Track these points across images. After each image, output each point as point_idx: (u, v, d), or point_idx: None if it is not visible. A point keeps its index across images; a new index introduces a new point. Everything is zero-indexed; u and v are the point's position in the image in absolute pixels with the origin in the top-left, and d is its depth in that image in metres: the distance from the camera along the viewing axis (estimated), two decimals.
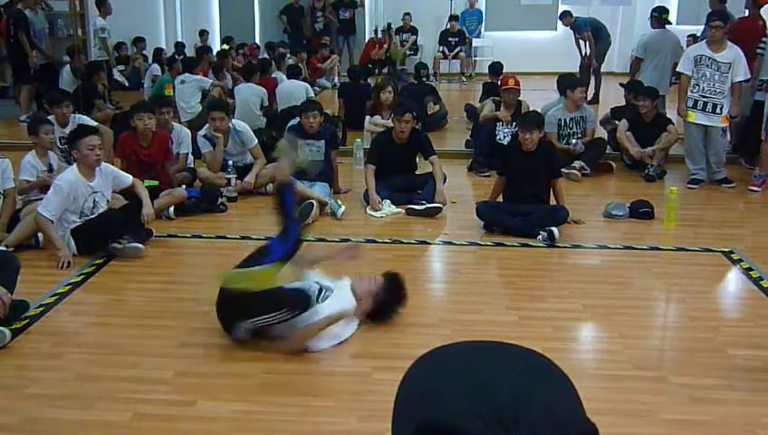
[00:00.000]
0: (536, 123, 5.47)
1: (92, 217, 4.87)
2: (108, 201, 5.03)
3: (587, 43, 11.11)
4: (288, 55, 12.52)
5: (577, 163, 6.90)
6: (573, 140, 7.10)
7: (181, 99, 8.93)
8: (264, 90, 8.68)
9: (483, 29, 15.17)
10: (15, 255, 4.08)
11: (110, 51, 11.07)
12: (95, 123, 6.49)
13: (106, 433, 2.88)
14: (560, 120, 7.15)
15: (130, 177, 5.21)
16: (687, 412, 3.03)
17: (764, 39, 7.13)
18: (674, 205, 5.56)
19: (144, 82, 12.12)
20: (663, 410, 3.04)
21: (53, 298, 4.13)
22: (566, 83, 7.56)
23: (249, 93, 8.53)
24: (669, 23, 8.71)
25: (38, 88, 9.77)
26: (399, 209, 5.80)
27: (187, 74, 9.13)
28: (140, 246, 4.83)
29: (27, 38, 9.38)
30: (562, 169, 6.30)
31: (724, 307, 4.27)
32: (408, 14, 14.90)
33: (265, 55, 12.91)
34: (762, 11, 7.59)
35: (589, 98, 10.56)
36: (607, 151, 7.45)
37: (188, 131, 6.62)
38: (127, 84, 12.10)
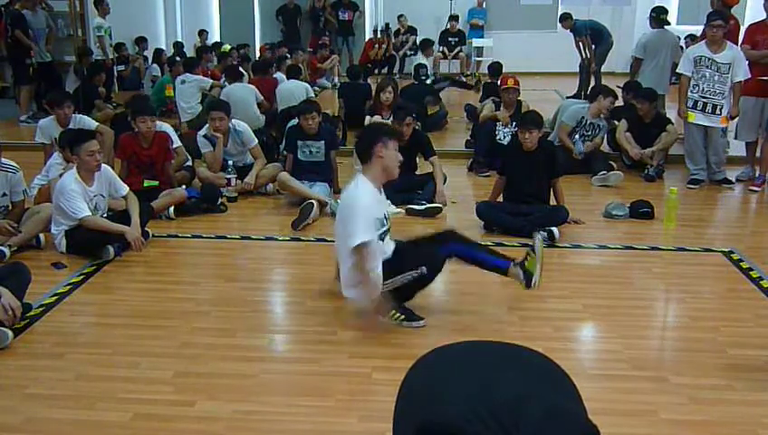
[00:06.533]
0: (535, 123, 5.46)
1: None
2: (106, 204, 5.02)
3: (585, 46, 11.12)
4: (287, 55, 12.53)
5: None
6: (577, 138, 7.11)
7: (181, 99, 8.94)
8: (254, 87, 8.64)
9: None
10: (28, 268, 4.00)
11: (107, 49, 11.04)
12: (96, 123, 6.49)
13: (106, 433, 2.88)
14: (582, 118, 7.19)
15: (126, 187, 5.10)
16: (687, 412, 3.03)
17: None
18: (674, 205, 5.56)
19: (144, 82, 12.14)
20: (663, 410, 3.04)
21: (53, 298, 4.14)
22: (600, 90, 7.49)
23: (241, 93, 8.43)
24: (668, 23, 8.70)
25: (38, 88, 9.78)
26: (400, 209, 5.80)
27: (187, 74, 9.12)
28: (111, 250, 4.78)
29: (25, 38, 9.38)
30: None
31: (724, 307, 4.26)
32: (401, 15, 14.86)
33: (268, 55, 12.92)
34: (732, 11, 7.59)
35: None
36: (607, 152, 7.46)
37: (168, 126, 6.63)
38: (117, 90, 11.95)
